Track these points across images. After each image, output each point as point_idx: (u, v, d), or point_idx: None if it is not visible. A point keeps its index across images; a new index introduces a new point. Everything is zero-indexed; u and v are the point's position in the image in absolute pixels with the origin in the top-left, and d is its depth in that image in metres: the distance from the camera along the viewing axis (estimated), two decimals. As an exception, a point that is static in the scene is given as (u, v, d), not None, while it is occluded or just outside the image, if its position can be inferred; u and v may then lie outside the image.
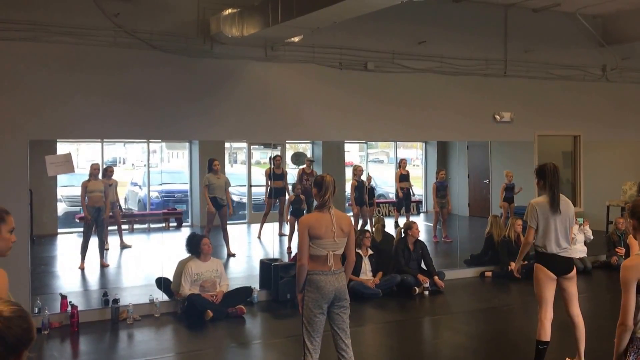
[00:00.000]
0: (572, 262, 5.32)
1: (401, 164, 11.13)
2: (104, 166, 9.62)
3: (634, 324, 3.27)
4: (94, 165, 8.90)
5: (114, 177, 9.47)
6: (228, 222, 9.35)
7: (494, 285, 9.19)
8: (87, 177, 8.74)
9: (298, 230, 4.64)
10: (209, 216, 9.12)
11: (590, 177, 10.69)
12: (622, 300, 3.29)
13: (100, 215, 8.75)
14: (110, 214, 9.22)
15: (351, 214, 9.99)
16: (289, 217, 9.73)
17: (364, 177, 10.59)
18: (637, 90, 10.99)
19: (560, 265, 5.18)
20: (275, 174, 9.52)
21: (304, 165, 10.16)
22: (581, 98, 10.48)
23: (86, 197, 8.67)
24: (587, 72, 10.54)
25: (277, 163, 9.52)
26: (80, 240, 8.82)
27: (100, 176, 8.89)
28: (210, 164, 9.09)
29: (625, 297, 3.27)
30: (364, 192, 10.28)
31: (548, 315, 5.19)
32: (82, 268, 8.71)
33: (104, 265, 8.95)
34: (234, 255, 9.36)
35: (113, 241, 9.47)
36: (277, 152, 9.64)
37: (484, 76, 9.68)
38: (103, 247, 8.97)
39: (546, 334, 5.18)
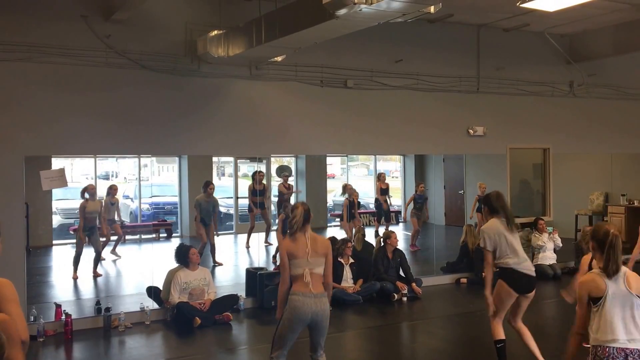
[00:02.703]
0: (535, 281, 5.45)
1: (380, 177, 11.40)
2: (110, 183, 9.83)
3: (598, 334, 3.53)
4: (91, 186, 9.09)
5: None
6: (216, 232, 9.63)
7: (469, 291, 9.37)
8: (84, 195, 8.91)
9: (279, 254, 4.80)
10: (200, 235, 9.40)
11: (559, 187, 10.86)
12: (577, 312, 3.66)
13: (94, 232, 8.95)
14: (112, 231, 9.43)
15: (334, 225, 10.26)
16: (281, 235, 10.01)
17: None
18: (603, 105, 11.24)
19: (524, 285, 5.39)
20: (255, 190, 9.77)
21: (281, 181, 10.43)
22: (550, 113, 10.71)
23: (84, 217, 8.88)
24: (556, 88, 10.83)
25: (258, 179, 9.74)
26: (74, 251, 8.98)
27: (102, 194, 9.11)
28: (206, 186, 9.33)
29: (579, 309, 3.64)
30: (354, 209, 10.60)
31: (500, 319, 5.51)
32: (75, 278, 8.87)
33: (96, 275, 9.11)
34: (220, 264, 9.58)
35: (107, 252, 9.64)
36: (259, 168, 9.86)
37: (458, 92, 9.94)
38: (98, 259, 9.13)
39: (500, 333, 5.50)
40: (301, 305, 4.52)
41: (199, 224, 9.30)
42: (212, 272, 8.96)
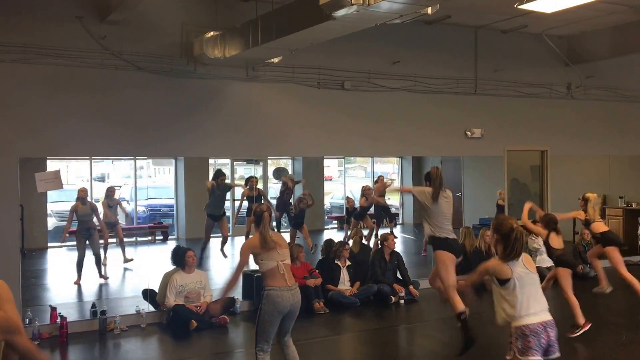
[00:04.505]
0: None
1: (379, 180, 11.34)
2: (108, 185, 9.78)
3: (518, 315, 3.94)
4: (82, 190, 9.03)
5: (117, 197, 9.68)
6: (212, 235, 9.57)
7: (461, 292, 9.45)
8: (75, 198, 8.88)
9: (241, 250, 5.06)
10: (207, 228, 9.33)
11: (556, 189, 10.86)
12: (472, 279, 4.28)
13: (93, 233, 8.92)
14: (112, 232, 9.39)
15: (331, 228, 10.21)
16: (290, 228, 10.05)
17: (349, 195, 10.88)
18: (601, 107, 11.25)
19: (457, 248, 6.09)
20: (249, 197, 9.75)
21: (289, 181, 10.39)
22: (548, 114, 10.72)
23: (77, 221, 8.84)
24: (553, 90, 10.84)
25: (251, 185, 9.72)
26: (70, 254, 8.94)
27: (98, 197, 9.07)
28: (217, 177, 9.33)
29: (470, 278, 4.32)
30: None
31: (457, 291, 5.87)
32: (77, 283, 8.86)
33: (103, 278, 9.08)
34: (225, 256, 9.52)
35: (112, 255, 9.55)
36: (255, 171, 9.85)
37: (456, 94, 9.93)
38: (99, 262, 9.08)
39: (462, 304, 5.80)
40: (280, 300, 4.84)
41: (207, 219, 9.24)
42: (209, 275, 8.91)
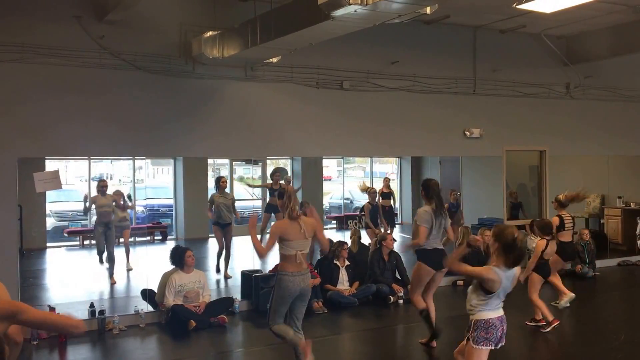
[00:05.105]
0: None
1: (384, 182, 11.30)
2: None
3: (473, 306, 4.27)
4: (102, 182, 9.12)
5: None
6: (210, 235, 9.58)
7: (465, 294, 9.30)
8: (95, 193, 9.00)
9: (271, 231, 5.50)
10: (216, 235, 9.36)
11: (555, 190, 10.59)
12: (466, 270, 4.36)
13: (110, 228, 8.95)
14: (118, 236, 9.42)
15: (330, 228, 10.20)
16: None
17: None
18: (599, 107, 11.26)
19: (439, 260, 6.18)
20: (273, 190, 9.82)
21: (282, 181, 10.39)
22: (546, 115, 10.72)
23: (95, 213, 8.92)
24: (552, 90, 10.84)
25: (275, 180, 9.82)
26: (70, 254, 8.94)
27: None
28: (218, 182, 9.29)
29: (468, 271, 4.37)
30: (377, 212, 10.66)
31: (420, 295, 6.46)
32: (112, 282, 9.00)
33: (113, 282, 9.10)
34: (230, 277, 9.43)
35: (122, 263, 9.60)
36: (254, 170, 9.82)
37: (455, 94, 9.94)
38: (113, 261, 9.10)
39: (422, 304, 6.44)
40: (292, 284, 5.33)
41: (215, 227, 9.24)
42: (215, 280, 8.88)
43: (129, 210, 9.69)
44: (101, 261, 8.97)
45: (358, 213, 11.08)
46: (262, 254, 5.33)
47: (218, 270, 9.25)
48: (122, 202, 9.11)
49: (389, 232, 10.56)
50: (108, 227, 8.95)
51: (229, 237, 9.39)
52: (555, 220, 7.98)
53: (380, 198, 10.99)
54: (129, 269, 9.57)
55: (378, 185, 11.34)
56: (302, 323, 5.60)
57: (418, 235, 6.21)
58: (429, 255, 6.27)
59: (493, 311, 4.26)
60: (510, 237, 4.10)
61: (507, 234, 4.12)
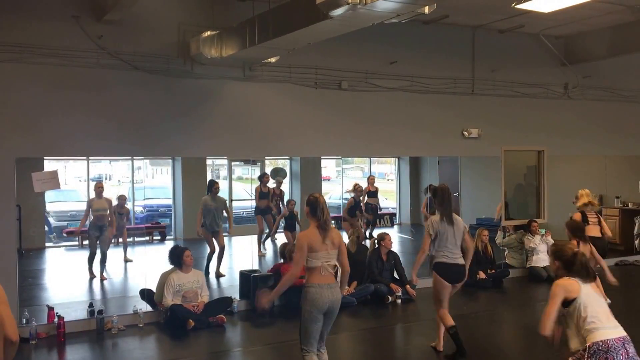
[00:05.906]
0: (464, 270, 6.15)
1: (369, 180, 11.31)
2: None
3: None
4: (98, 184, 9.12)
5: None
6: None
7: (463, 294, 9.16)
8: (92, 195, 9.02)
9: (298, 244, 4.89)
10: (206, 237, 9.34)
11: (553, 190, 10.87)
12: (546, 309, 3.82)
13: (104, 231, 8.95)
14: (116, 235, 9.44)
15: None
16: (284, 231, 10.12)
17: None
18: (598, 107, 11.28)
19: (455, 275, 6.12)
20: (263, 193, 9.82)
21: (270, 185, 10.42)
22: (545, 115, 10.74)
23: (91, 215, 8.90)
24: (550, 90, 10.86)
25: (265, 181, 9.80)
26: (68, 254, 8.94)
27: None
28: (211, 186, 9.27)
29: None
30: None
31: (446, 309, 6.25)
32: (92, 277, 8.97)
33: (102, 279, 9.10)
34: (223, 275, 9.45)
35: (112, 255, 9.58)
36: (253, 171, 9.81)
37: (453, 94, 9.95)
38: (105, 260, 9.10)
39: (450, 321, 6.21)
40: (319, 296, 4.81)
41: (204, 230, 9.22)
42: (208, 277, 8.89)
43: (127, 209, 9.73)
44: (90, 267, 8.97)
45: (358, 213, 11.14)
46: (296, 273, 4.84)
47: (207, 272, 9.26)
48: (109, 219, 9.10)
49: (365, 228, 10.70)
50: (102, 230, 8.95)
51: (221, 241, 9.37)
52: (577, 216, 8.20)
53: (366, 197, 11.01)
54: (127, 260, 9.57)
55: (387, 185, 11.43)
56: (324, 341, 5.10)
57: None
58: (445, 270, 6.12)
59: (609, 330, 3.78)
60: (569, 253, 3.91)
61: (566, 250, 3.95)
